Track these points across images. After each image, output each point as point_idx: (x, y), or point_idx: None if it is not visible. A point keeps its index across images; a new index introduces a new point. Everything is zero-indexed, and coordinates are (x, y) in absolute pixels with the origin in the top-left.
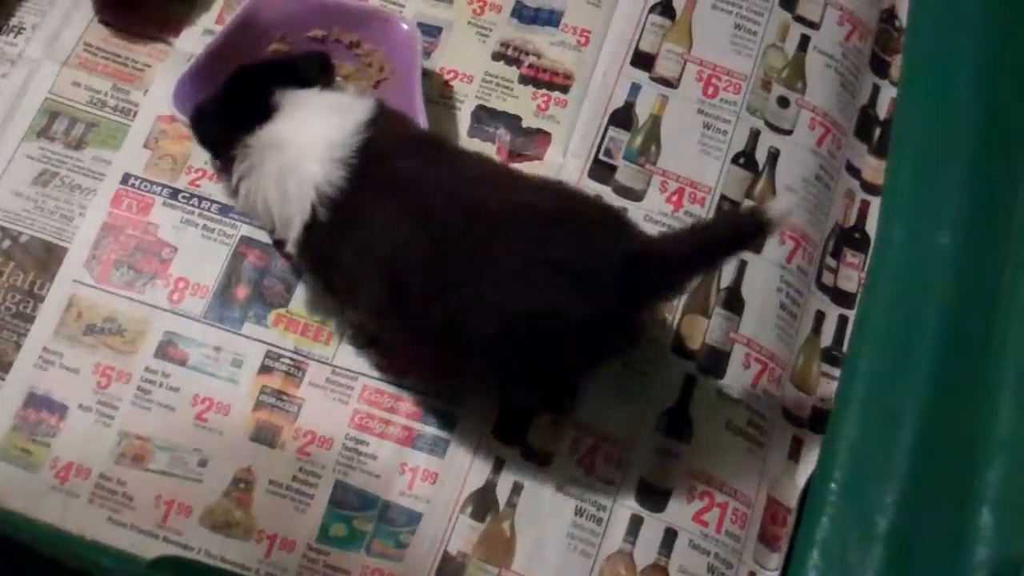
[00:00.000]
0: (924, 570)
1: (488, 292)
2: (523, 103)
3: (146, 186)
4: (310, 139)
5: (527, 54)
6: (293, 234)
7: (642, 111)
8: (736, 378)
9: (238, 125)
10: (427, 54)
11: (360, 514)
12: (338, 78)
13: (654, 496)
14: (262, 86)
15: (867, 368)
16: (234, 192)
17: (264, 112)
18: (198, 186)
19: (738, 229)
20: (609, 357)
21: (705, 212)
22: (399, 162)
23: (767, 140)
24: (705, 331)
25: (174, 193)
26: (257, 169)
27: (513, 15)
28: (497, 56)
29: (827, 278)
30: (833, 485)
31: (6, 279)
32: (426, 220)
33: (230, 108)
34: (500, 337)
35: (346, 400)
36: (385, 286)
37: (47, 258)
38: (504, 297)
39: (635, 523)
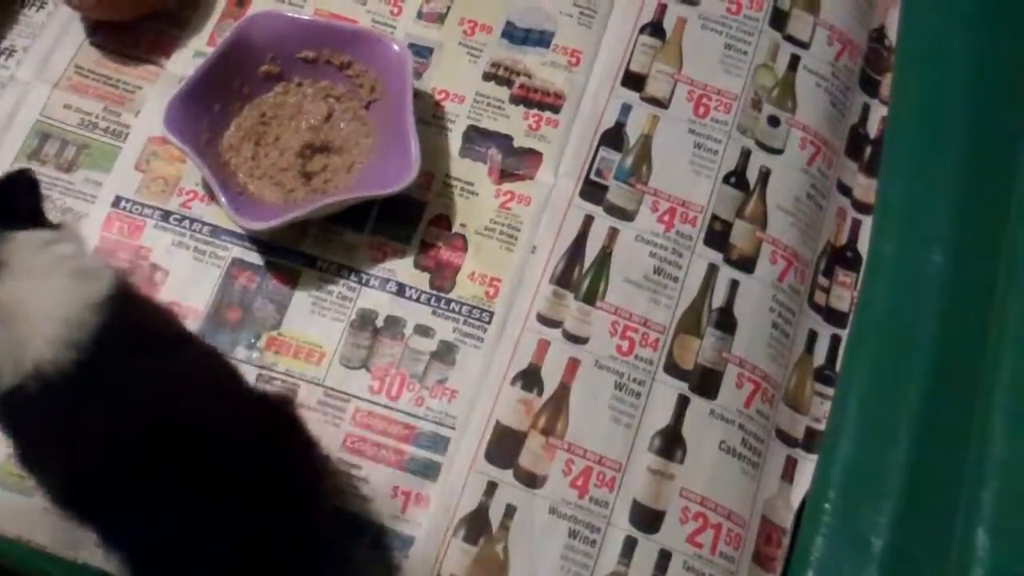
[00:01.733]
0: None
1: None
2: (514, 123)
3: (137, 209)
4: (46, 312)
5: (518, 74)
6: None
7: (633, 131)
8: (729, 398)
9: None
10: (418, 74)
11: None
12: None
13: (648, 518)
14: None
15: (861, 387)
16: None
17: None
18: (189, 208)
19: None
20: None
21: (697, 231)
22: (120, 355)
23: (758, 159)
24: (698, 351)
25: (165, 215)
26: None
27: (503, 36)
28: (488, 76)
29: (819, 297)
30: (827, 505)
31: None
32: (112, 425)
33: None
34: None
35: (338, 423)
36: (65, 468)
37: None
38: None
39: (629, 545)
